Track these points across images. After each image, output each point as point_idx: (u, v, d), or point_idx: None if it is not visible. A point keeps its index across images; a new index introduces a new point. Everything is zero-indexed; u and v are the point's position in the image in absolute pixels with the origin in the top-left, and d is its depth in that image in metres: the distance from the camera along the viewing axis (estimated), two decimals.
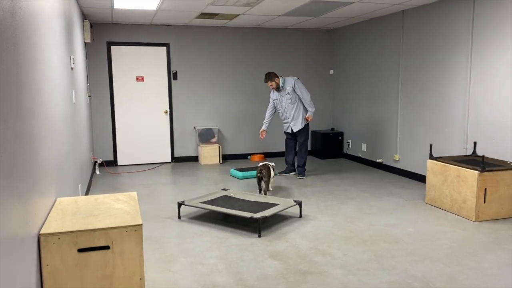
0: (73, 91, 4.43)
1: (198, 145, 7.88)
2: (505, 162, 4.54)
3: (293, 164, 6.67)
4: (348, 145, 7.98)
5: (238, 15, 6.56)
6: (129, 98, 7.58)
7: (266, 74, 6.31)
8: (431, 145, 4.98)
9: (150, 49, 7.59)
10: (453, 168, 4.54)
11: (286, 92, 6.27)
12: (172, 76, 7.72)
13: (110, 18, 6.78)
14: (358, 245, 3.72)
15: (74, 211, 2.54)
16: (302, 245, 3.74)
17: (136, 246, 2.31)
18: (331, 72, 8.50)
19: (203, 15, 6.52)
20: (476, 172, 4.25)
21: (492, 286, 2.95)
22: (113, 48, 7.39)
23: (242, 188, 5.79)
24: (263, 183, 5.36)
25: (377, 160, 7.04)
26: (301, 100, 6.28)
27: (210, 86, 7.94)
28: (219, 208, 4.31)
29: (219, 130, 8.04)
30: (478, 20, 5.00)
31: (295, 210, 4.72)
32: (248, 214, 4.04)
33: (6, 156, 1.64)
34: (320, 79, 8.51)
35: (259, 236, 3.94)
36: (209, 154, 7.71)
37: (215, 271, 3.23)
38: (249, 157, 8.25)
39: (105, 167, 7.36)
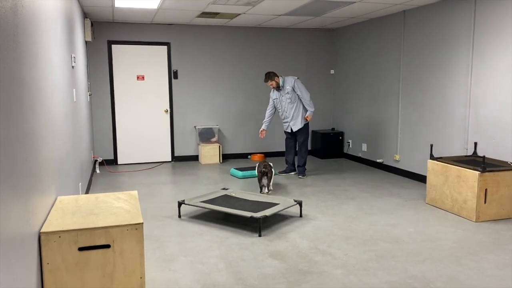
0: (74, 89, 4.43)
1: (198, 144, 7.88)
2: (506, 162, 4.54)
3: (293, 164, 6.67)
4: (349, 145, 7.98)
5: (239, 14, 6.56)
6: (130, 97, 7.57)
7: (266, 74, 6.31)
8: (431, 145, 4.98)
9: (150, 48, 7.59)
10: (453, 168, 4.54)
11: (286, 92, 6.27)
12: (172, 75, 7.71)
13: (111, 17, 6.78)
14: (358, 245, 3.72)
15: (74, 210, 2.54)
16: (303, 244, 3.74)
17: (137, 245, 2.31)
18: (332, 72, 8.49)
19: (204, 14, 6.51)
20: (477, 172, 4.25)
21: (493, 287, 2.95)
22: (113, 46, 7.39)
23: (242, 188, 5.79)
24: (263, 181, 5.41)
25: (378, 160, 7.03)
26: (300, 100, 6.28)
27: (210, 85, 7.94)
28: (220, 207, 4.31)
29: (219, 130, 8.03)
30: (479, 20, 4.99)
31: (295, 209, 4.72)
32: (248, 214, 4.04)
33: (7, 155, 1.64)
34: (321, 79, 8.50)
35: (260, 235, 3.94)
36: (209, 153, 7.71)
37: (215, 271, 3.23)
38: (249, 156, 8.24)
39: (105, 166, 7.36)
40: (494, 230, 4.07)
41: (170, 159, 7.91)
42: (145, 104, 7.66)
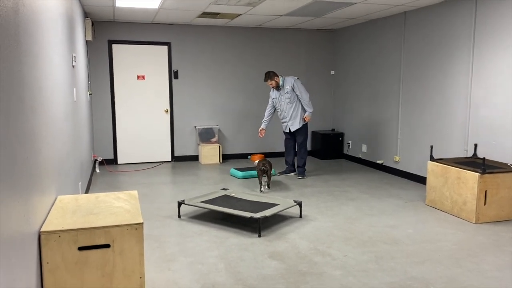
0: (74, 89, 4.43)
1: (198, 144, 7.88)
2: (506, 164, 4.54)
3: (293, 165, 6.67)
4: (349, 146, 7.98)
5: (240, 14, 6.56)
6: (130, 97, 7.57)
7: (266, 73, 6.32)
8: (431, 147, 4.98)
9: (151, 47, 7.59)
10: (453, 170, 4.54)
11: (285, 92, 6.28)
12: (173, 75, 7.71)
13: (111, 16, 6.78)
14: (358, 246, 3.72)
15: (74, 209, 2.54)
16: (302, 245, 3.74)
17: (136, 245, 2.31)
18: (332, 72, 8.50)
19: (205, 14, 6.51)
20: (477, 174, 4.25)
21: None
22: (114, 46, 7.39)
23: (242, 188, 5.79)
24: (263, 179, 5.51)
25: (378, 161, 7.04)
26: (299, 100, 6.28)
27: (211, 85, 7.94)
28: (219, 207, 4.31)
29: (219, 130, 8.03)
30: (479, 22, 5.00)
31: (295, 210, 4.72)
32: (248, 214, 4.04)
33: (7, 154, 1.64)
34: (321, 80, 8.50)
35: (259, 236, 3.94)
36: (209, 153, 7.71)
37: (214, 271, 3.22)
38: (249, 157, 8.25)
39: (105, 166, 7.36)
40: (494, 232, 4.07)
41: (170, 159, 7.91)
42: (145, 104, 7.66)
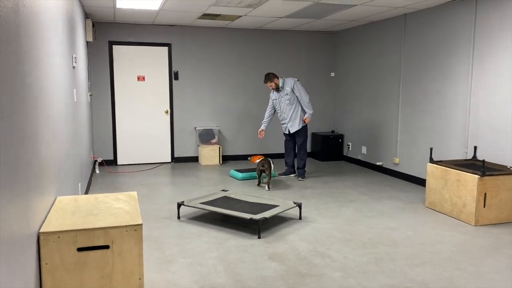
0: (75, 90, 4.43)
1: (198, 145, 7.88)
2: (505, 166, 4.54)
3: (293, 166, 6.67)
4: (348, 147, 7.98)
5: (240, 16, 6.56)
6: (130, 98, 7.58)
7: (265, 75, 6.33)
8: (431, 149, 4.98)
9: (151, 49, 7.59)
10: (453, 172, 4.54)
11: (285, 93, 6.28)
12: (173, 76, 7.72)
13: (112, 18, 6.79)
14: (357, 248, 3.71)
15: (74, 210, 2.54)
16: (302, 247, 3.73)
17: (136, 246, 2.31)
18: (332, 74, 8.50)
19: (205, 15, 6.52)
20: (476, 176, 4.25)
21: None
22: (114, 47, 7.40)
23: (242, 189, 5.79)
24: (262, 178, 5.71)
25: (377, 163, 7.04)
26: (299, 102, 6.29)
27: (211, 86, 7.95)
28: (219, 209, 4.31)
29: (219, 131, 8.04)
30: (480, 25, 5.00)
31: (295, 212, 4.72)
32: (247, 216, 4.04)
33: (8, 154, 1.64)
34: (321, 81, 8.51)
35: (259, 237, 3.93)
36: (209, 154, 7.71)
37: (214, 272, 3.22)
38: (249, 158, 8.24)
39: (105, 166, 7.36)
40: (493, 234, 4.07)
41: (169, 160, 7.90)
42: (146, 104, 7.66)
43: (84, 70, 5.95)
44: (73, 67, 4.40)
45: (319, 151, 8.15)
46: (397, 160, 6.55)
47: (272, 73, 6.32)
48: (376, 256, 3.54)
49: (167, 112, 7.79)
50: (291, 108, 6.30)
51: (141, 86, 7.62)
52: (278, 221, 4.45)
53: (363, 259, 3.47)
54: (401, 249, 3.70)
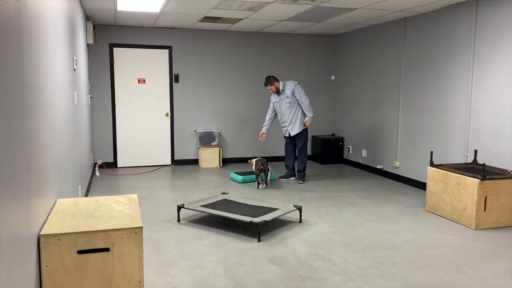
0: (75, 92, 4.43)
1: (198, 148, 7.88)
2: (506, 170, 4.54)
3: (293, 169, 6.67)
4: (349, 150, 7.98)
5: (241, 19, 6.58)
6: (130, 100, 7.58)
7: (266, 78, 6.35)
8: (431, 152, 4.98)
9: (152, 51, 7.60)
10: (453, 175, 4.54)
11: (286, 96, 6.29)
12: (173, 78, 7.73)
13: (113, 20, 6.80)
14: (358, 252, 3.71)
15: (74, 213, 2.54)
16: (302, 250, 3.73)
17: (136, 249, 2.30)
18: (333, 77, 8.51)
19: (206, 18, 6.53)
20: (477, 180, 4.25)
21: None
22: (115, 49, 7.40)
23: (242, 192, 5.78)
24: (260, 178, 5.94)
25: (378, 167, 7.03)
26: (300, 105, 6.29)
27: (211, 89, 7.95)
28: (219, 212, 4.30)
29: (219, 134, 8.04)
30: (480, 28, 5.01)
31: (295, 215, 4.71)
32: (247, 219, 4.03)
33: (8, 157, 1.64)
34: (321, 84, 8.52)
35: (259, 240, 3.93)
36: (210, 157, 7.71)
37: (214, 275, 3.21)
38: (249, 161, 8.21)
39: (105, 169, 7.35)
40: (494, 238, 4.06)
41: (170, 163, 7.90)
42: (146, 107, 7.67)
43: (85, 73, 5.96)
44: (74, 69, 4.40)
45: (320, 154, 8.15)
46: (397, 164, 6.54)
47: (273, 76, 6.33)
48: (377, 260, 3.54)
49: (168, 114, 7.79)
50: (291, 111, 6.31)
51: (142, 89, 7.62)
52: (278, 224, 4.44)
53: (363, 263, 3.46)
54: (402, 252, 3.70)
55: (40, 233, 2.16)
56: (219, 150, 7.75)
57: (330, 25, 7.12)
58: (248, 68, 8.10)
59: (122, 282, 2.29)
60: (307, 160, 6.57)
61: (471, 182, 4.31)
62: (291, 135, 6.41)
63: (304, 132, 6.39)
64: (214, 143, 7.87)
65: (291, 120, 6.34)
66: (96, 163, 7.15)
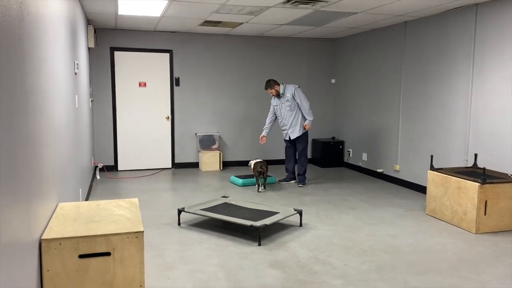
0: (76, 96, 4.45)
1: (198, 151, 7.89)
2: (506, 174, 4.54)
3: (294, 172, 6.68)
4: (349, 154, 7.99)
5: (242, 23, 6.60)
6: (131, 104, 7.59)
7: (266, 82, 6.37)
8: (432, 156, 4.99)
9: (153, 55, 7.62)
10: (454, 179, 4.54)
11: (286, 99, 6.31)
12: (174, 82, 7.74)
13: (114, 24, 6.82)
14: (358, 255, 3.71)
15: (75, 217, 2.55)
16: (302, 254, 3.73)
17: (137, 253, 2.31)
18: (333, 81, 8.53)
19: (207, 22, 6.55)
20: (477, 184, 4.25)
21: None
22: (116, 53, 7.43)
23: (243, 196, 5.79)
24: (260, 180, 6.03)
25: (378, 170, 7.04)
26: (300, 108, 6.31)
27: (212, 92, 7.97)
28: (219, 215, 4.31)
29: (220, 137, 8.05)
30: (480, 33, 5.03)
31: (295, 219, 4.72)
32: (248, 222, 4.04)
33: (10, 161, 1.65)
34: (322, 88, 8.53)
35: (259, 244, 3.93)
36: (210, 160, 7.71)
37: (214, 279, 3.22)
38: (249, 164, 8.23)
39: (105, 172, 7.36)
40: (494, 242, 4.06)
41: (170, 166, 7.91)
42: (147, 110, 7.68)
43: (86, 76, 5.98)
44: (75, 73, 4.42)
45: (320, 158, 8.15)
46: (397, 167, 6.55)
47: (273, 80, 6.35)
48: (377, 263, 3.54)
49: (168, 118, 7.81)
50: (291, 115, 6.32)
51: (143, 92, 7.64)
52: (279, 228, 4.45)
53: (363, 267, 3.47)
54: (402, 256, 3.70)
55: (42, 238, 2.17)
56: (220, 153, 7.76)
57: (330, 29, 7.15)
58: (249, 72, 8.12)
59: (123, 286, 2.29)
60: (307, 164, 6.57)
61: (471, 186, 4.31)
62: (291, 138, 6.42)
63: (304, 136, 6.40)
64: (215, 146, 7.88)
65: (291, 124, 6.36)
66: (97, 166, 7.16)
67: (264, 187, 6.16)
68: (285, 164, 6.73)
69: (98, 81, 7.34)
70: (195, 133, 7.92)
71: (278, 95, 6.38)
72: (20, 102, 1.85)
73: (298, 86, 6.41)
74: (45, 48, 2.58)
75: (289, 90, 6.29)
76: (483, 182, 4.24)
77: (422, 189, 5.94)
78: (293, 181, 6.68)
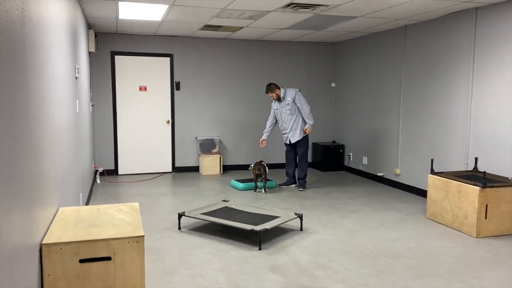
0: (77, 100, 4.45)
1: (199, 155, 7.89)
2: (506, 178, 4.54)
3: (294, 176, 6.67)
4: (349, 158, 7.98)
5: (242, 27, 6.62)
6: (132, 108, 7.60)
7: (267, 85, 6.38)
8: (432, 160, 4.99)
9: (153, 59, 7.64)
10: (454, 183, 4.54)
11: (286, 103, 6.32)
12: (175, 86, 7.76)
13: (114, 28, 6.84)
14: (359, 260, 3.70)
15: (76, 221, 2.55)
16: (303, 258, 3.73)
17: (137, 258, 2.31)
18: (333, 85, 8.54)
19: (207, 27, 6.57)
20: (478, 188, 4.25)
21: None
22: (117, 57, 7.44)
23: (243, 200, 5.79)
24: (258, 182, 6.11)
25: (378, 174, 7.04)
26: (300, 112, 6.31)
27: (212, 96, 7.98)
28: (220, 219, 4.30)
29: (220, 141, 8.05)
30: (480, 36, 5.04)
31: (296, 223, 4.71)
32: (248, 227, 4.03)
33: (12, 166, 1.65)
34: (322, 92, 8.54)
35: (260, 249, 3.93)
36: (210, 164, 7.71)
37: (215, 284, 3.21)
38: (249, 168, 8.23)
39: (106, 176, 7.36)
40: (495, 246, 4.06)
41: (170, 170, 7.91)
42: (147, 114, 7.69)
43: (87, 81, 5.99)
44: (76, 77, 4.43)
45: (320, 162, 8.15)
46: (398, 171, 6.55)
47: (274, 84, 6.36)
48: (378, 268, 3.53)
49: (169, 122, 7.81)
50: (292, 118, 6.33)
51: (143, 96, 7.65)
52: (279, 232, 4.44)
53: (364, 271, 3.46)
54: (403, 260, 3.69)
55: (42, 242, 2.16)
56: (220, 157, 7.76)
57: (330, 33, 7.16)
58: (249, 76, 8.13)
59: None
60: (307, 167, 6.57)
61: (472, 190, 4.31)
62: (292, 142, 6.42)
63: (304, 140, 6.41)
64: (215, 150, 7.88)
65: (291, 127, 6.36)
66: (97, 170, 7.16)
67: (264, 190, 6.18)
68: (286, 168, 6.73)
69: (98, 85, 7.35)
70: (196, 137, 7.93)
71: (278, 99, 6.39)
72: (21, 107, 1.85)
73: (299, 90, 6.42)
74: (46, 53, 2.59)
75: (290, 94, 6.31)
76: (484, 186, 4.24)
77: (422, 193, 5.94)
78: (293, 185, 6.68)
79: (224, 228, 4.52)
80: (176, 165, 7.90)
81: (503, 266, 3.59)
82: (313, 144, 8.33)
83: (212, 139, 7.89)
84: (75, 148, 4.16)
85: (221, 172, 7.79)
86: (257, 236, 4.05)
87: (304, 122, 6.34)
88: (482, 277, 3.37)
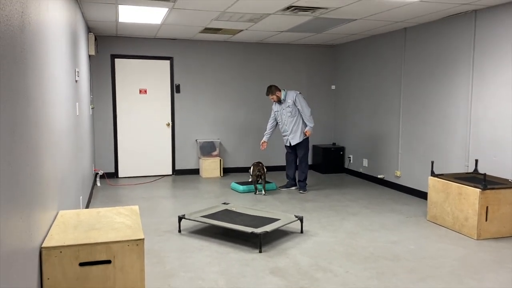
0: (77, 103, 4.46)
1: (199, 158, 7.89)
2: (507, 180, 4.54)
3: (294, 179, 6.67)
4: (350, 160, 7.98)
5: (242, 30, 6.63)
6: (132, 111, 7.61)
7: (267, 87, 6.39)
8: (432, 162, 4.99)
9: (153, 62, 7.65)
10: (454, 185, 4.54)
11: (287, 105, 6.32)
12: (175, 89, 7.76)
13: (114, 31, 6.85)
14: (359, 262, 3.70)
15: (76, 224, 2.54)
16: (303, 261, 3.72)
17: (137, 261, 2.31)
18: (333, 87, 8.55)
19: (207, 29, 6.58)
20: (478, 190, 4.25)
21: None
22: (117, 60, 7.45)
23: (243, 202, 5.78)
24: (258, 185, 6.14)
25: (379, 176, 7.03)
26: (301, 114, 6.31)
27: (212, 99, 7.99)
28: (220, 222, 4.30)
29: (220, 143, 8.05)
30: (479, 38, 5.04)
31: (296, 225, 4.71)
32: (249, 229, 4.03)
33: (11, 169, 1.65)
34: (322, 94, 8.55)
35: (260, 251, 3.92)
36: (210, 167, 7.71)
37: (215, 287, 3.21)
38: (250, 170, 8.23)
39: (106, 179, 7.36)
40: (495, 248, 4.05)
41: (171, 173, 7.91)
42: (147, 117, 7.69)
43: (87, 84, 5.99)
44: (76, 81, 4.43)
45: (320, 164, 8.15)
46: (398, 173, 6.55)
47: (274, 86, 6.36)
48: (378, 270, 3.53)
49: (169, 124, 7.82)
50: (292, 121, 6.33)
51: (143, 99, 7.65)
52: (280, 235, 4.44)
53: (365, 274, 3.46)
54: (403, 263, 3.69)
55: (42, 246, 2.16)
56: (220, 159, 7.76)
57: (330, 36, 7.17)
58: (249, 78, 8.14)
59: None
60: (308, 170, 6.57)
61: (472, 192, 4.31)
62: (292, 144, 6.42)
63: (305, 142, 6.41)
64: (215, 153, 7.88)
65: (292, 130, 6.36)
66: (97, 173, 7.16)
67: (264, 191, 6.20)
68: (286, 170, 6.73)
69: (98, 88, 7.36)
70: (196, 140, 7.93)
71: (279, 101, 6.39)
72: (21, 110, 1.86)
73: (300, 93, 6.42)
74: (46, 56, 2.59)
75: (290, 96, 6.31)
76: (484, 188, 4.24)
77: (423, 195, 5.93)
78: (293, 188, 6.67)
79: (224, 231, 4.51)
80: (176, 167, 7.89)
81: (504, 268, 3.58)
82: (314, 146, 8.33)
83: (212, 142, 7.89)
84: (75, 151, 4.16)
85: (221, 175, 7.79)
86: (257, 238, 4.04)
87: (305, 125, 6.34)
88: (482, 279, 3.36)
